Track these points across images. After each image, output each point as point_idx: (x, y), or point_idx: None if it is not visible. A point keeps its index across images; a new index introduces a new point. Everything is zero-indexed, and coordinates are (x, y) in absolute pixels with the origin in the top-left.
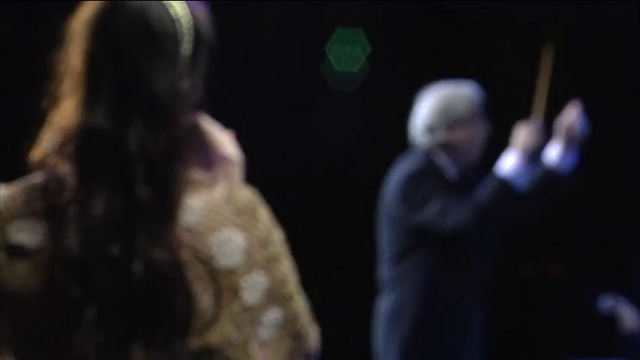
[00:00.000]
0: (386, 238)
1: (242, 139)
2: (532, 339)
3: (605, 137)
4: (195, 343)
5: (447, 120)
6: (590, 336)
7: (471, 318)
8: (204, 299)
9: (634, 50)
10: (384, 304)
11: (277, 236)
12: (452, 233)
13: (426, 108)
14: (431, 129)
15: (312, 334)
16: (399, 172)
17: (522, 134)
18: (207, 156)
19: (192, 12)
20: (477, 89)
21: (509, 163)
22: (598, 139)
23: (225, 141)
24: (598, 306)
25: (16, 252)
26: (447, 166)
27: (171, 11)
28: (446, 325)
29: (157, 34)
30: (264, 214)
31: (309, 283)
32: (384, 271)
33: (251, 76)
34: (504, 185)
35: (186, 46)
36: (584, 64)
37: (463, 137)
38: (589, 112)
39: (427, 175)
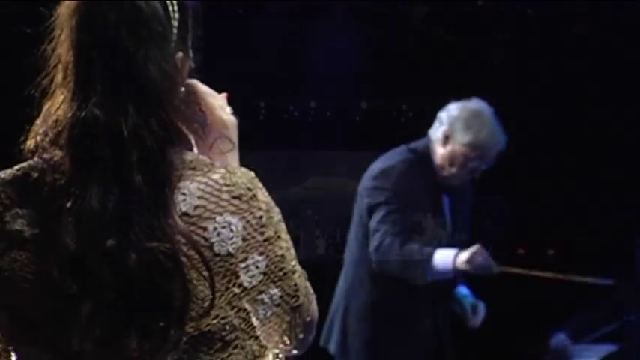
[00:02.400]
0: (355, 219)
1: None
2: (518, 321)
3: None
4: (193, 328)
5: (463, 135)
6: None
7: (430, 313)
8: (202, 285)
9: None
10: (341, 284)
11: (275, 216)
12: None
13: (457, 112)
14: (448, 135)
15: (310, 305)
16: (381, 162)
17: (474, 257)
18: (202, 121)
19: None
20: (504, 139)
21: (444, 255)
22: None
23: (219, 105)
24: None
25: (14, 239)
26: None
27: None
28: (391, 315)
29: (147, 17)
30: (261, 196)
31: None
32: (347, 253)
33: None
34: (427, 265)
35: (175, 18)
36: None
37: (458, 155)
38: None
39: (397, 175)
